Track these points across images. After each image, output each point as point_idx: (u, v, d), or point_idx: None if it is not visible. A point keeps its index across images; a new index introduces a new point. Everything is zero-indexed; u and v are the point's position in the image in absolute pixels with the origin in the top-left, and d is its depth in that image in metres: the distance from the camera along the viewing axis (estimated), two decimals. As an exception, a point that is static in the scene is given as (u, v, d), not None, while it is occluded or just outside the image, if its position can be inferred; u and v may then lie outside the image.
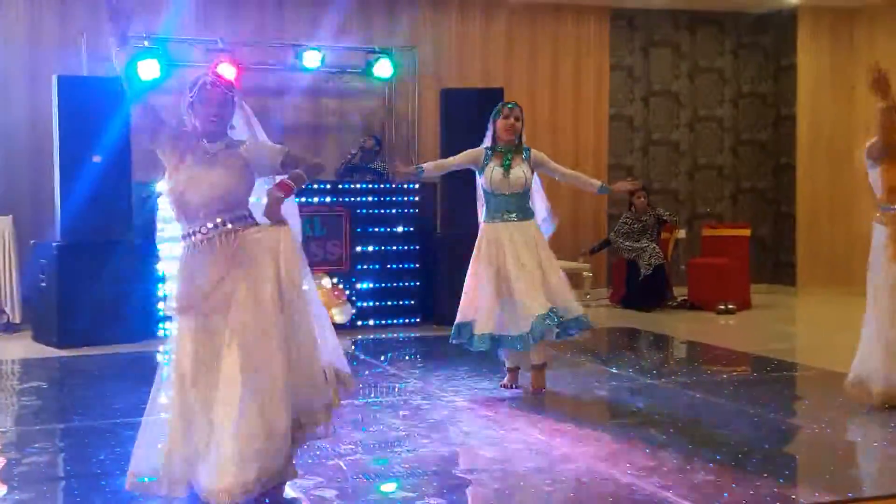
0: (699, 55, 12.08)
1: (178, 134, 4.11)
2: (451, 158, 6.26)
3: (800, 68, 11.90)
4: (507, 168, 6.01)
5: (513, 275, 5.91)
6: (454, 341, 6.11)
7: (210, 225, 3.93)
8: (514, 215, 6.05)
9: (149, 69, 8.90)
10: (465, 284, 6.10)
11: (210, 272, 3.90)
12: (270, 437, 3.81)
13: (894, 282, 5.47)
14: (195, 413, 3.88)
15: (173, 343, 4.03)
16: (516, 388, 6.20)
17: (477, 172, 6.14)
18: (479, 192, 6.19)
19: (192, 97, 4.08)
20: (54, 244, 8.09)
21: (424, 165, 6.26)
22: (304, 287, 4.06)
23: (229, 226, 3.95)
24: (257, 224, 4.04)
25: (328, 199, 8.97)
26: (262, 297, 3.87)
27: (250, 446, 3.76)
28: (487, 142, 6.15)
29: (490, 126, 6.15)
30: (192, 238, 3.97)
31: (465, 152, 6.17)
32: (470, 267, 6.10)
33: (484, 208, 6.16)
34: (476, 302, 6.01)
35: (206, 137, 4.07)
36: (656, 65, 11.91)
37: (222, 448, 3.77)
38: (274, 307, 3.87)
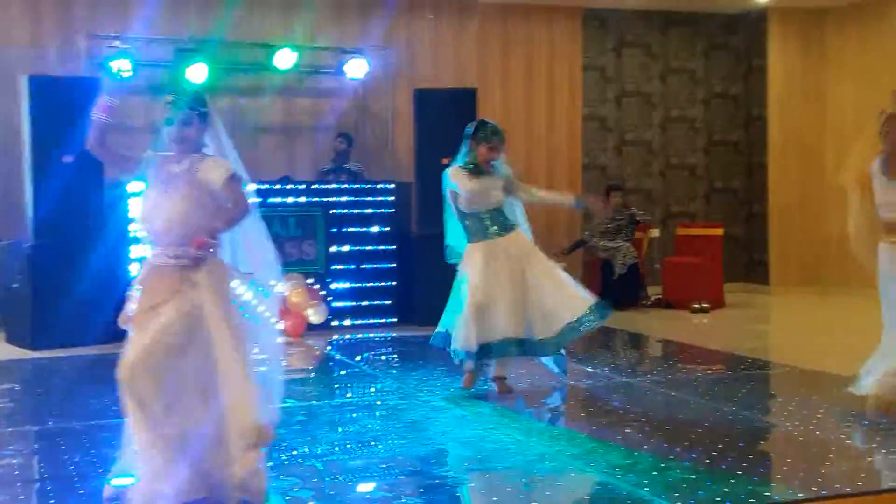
0: (671, 56, 12.15)
1: (140, 161, 4.13)
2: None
3: (770, 69, 11.99)
4: (482, 181, 5.93)
5: (530, 281, 5.88)
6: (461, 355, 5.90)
7: (170, 252, 3.95)
8: (498, 230, 5.95)
9: (120, 68, 8.82)
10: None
11: (151, 296, 3.93)
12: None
13: None
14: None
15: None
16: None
17: (452, 194, 6.00)
18: (458, 216, 6.02)
19: (164, 115, 4.08)
20: (26, 245, 8.02)
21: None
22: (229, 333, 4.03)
23: (184, 260, 3.93)
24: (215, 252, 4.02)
25: (303, 200, 8.94)
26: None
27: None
28: (460, 156, 5.99)
29: (470, 140, 5.98)
30: (153, 259, 4.01)
31: (455, 173, 5.93)
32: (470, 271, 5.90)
33: (464, 232, 6.03)
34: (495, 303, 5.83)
35: (174, 156, 4.07)
36: (629, 65, 11.97)
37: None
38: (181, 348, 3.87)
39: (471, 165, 5.94)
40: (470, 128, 6.02)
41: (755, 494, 4.17)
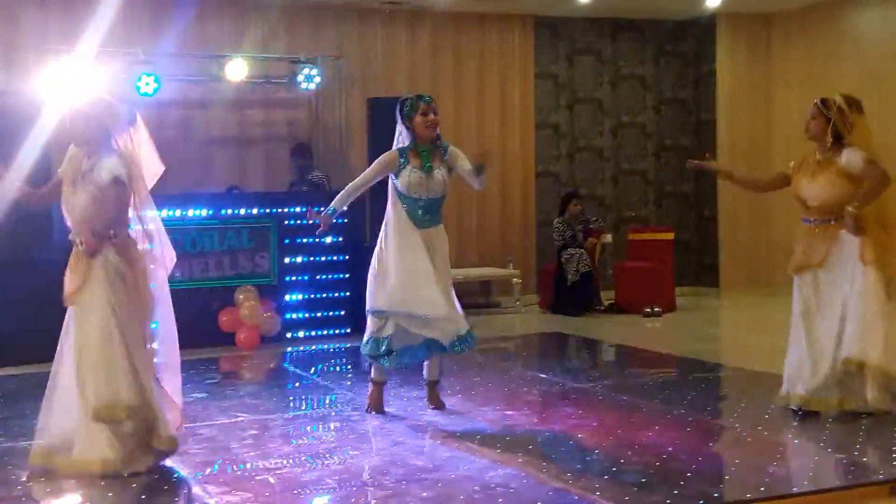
0: (621, 62, 12.27)
1: (63, 171, 4.79)
2: (359, 179, 5.79)
3: (719, 74, 12.16)
4: (427, 170, 5.62)
5: (435, 274, 5.62)
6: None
7: (78, 241, 4.68)
8: (429, 220, 5.69)
9: (73, 80, 8.72)
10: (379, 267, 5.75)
11: (73, 278, 4.70)
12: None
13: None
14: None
15: None
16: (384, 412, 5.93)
17: (392, 176, 5.71)
18: (392, 192, 5.76)
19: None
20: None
21: (334, 204, 5.78)
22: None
23: (80, 247, 4.66)
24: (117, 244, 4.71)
25: (255, 211, 8.89)
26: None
27: None
28: (404, 141, 5.70)
29: (404, 123, 5.69)
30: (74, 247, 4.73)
31: (375, 163, 5.73)
32: (388, 247, 5.70)
33: (394, 209, 5.72)
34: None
35: (84, 154, 4.74)
36: (580, 72, 12.06)
37: None
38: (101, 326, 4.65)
39: (413, 145, 5.64)
40: (396, 111, 5.73)
41: (705, 496, 4.23)
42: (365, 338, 5.77)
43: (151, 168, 4.88)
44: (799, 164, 5.82)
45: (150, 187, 4.84)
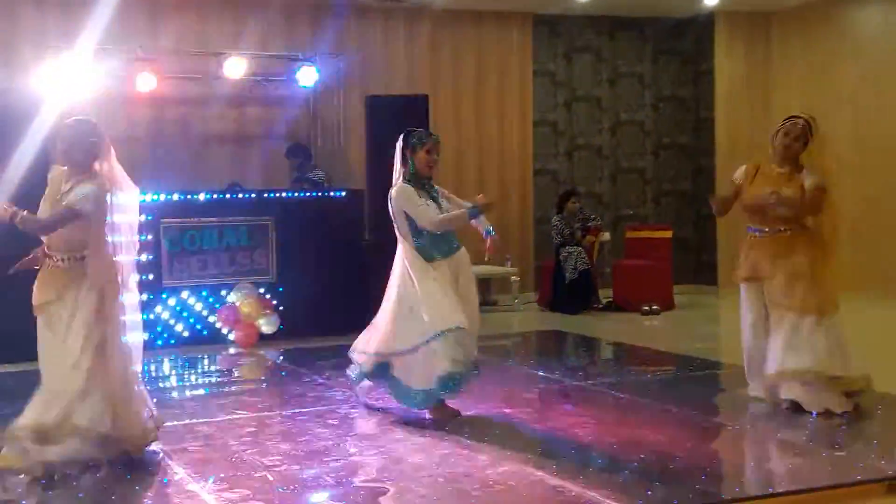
0: (620, 60, 12.27)
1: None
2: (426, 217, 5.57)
3: (717, 72, 12.16)
4: (437, 202, 5.64)
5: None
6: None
7: (57, 257, 4.79)
8: (454, 245, 5.71)
9: (71, 78, 8.72)
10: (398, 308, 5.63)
11: (44, 292, 4.82)
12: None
13: None
14: None
15: None
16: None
17: (406, 213, 5.61)
18: (407, 233, 5.63)
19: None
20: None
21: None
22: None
23: (60, 263, 4.78)
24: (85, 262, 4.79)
25: (254, 209, 8.88)
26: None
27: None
28: (401, 172, 5.66)
29: (404, 153, 5.66)
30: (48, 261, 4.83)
31: (407, 201, 5.56)
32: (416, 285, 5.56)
33: (416, 244, 5.62)
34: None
35: (67, 173, 4.86)
36: (578, 70, 12.07)
37: None
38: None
39: (411, 176, 5.62)
40: (400, 141, 5.71)
41: (702, 493, 4.24)
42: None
43: (128, 188, 5.00)
44: (753, 175, 5.91)
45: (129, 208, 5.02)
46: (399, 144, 5.71)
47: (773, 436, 5.30)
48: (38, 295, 4.83)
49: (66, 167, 4.86)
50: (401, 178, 5.68)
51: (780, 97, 12.10)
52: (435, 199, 5.67)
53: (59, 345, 4.74)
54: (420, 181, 5.66)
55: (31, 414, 4.73)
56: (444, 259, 5.65)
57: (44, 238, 4.85)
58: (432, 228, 5.58)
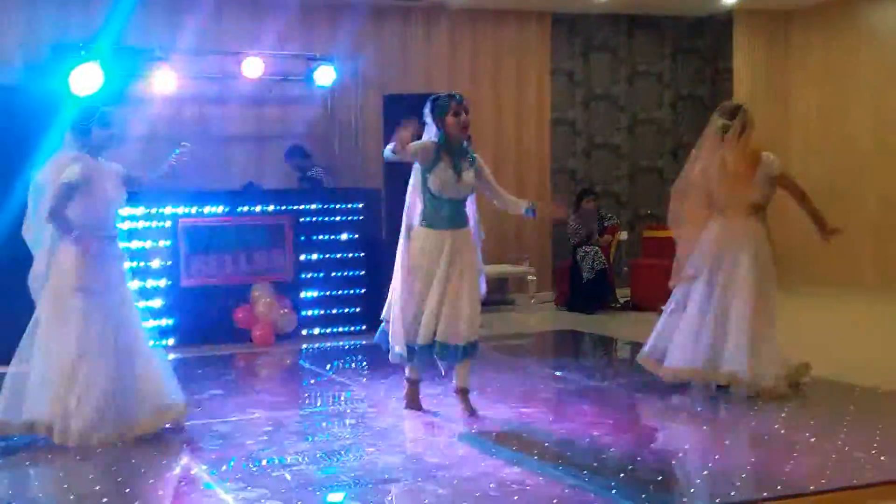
0: (638, 59, 12.23)
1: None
2: (409, 147, 5.41)
3: (736, 71, 12.10)
4: (458, 171, 5.49)
5: (455, 283, 5.50)
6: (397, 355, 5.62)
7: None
8: (457, 222, 5.56)
9: (89, 76, 8.74)
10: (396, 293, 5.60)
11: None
12: None
13: None
14: None
15: None
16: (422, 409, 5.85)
17: (422, 170, 5.53)
18: (416, 191, 5.58)
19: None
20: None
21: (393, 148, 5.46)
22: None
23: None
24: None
25: (271, 208, 8.90)
26: None
27: None
28: (433, 138, 5.51)
29: (434, 122, 5.51)
30: None
31: (415, 144, 5.43)
32: (402, 275, 5.57)
33: (421, 210, 5.59)
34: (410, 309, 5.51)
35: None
36: (596, 69, 12.03)
37: None
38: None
39: (442, 142, 5.48)
40: (426, 108, 5.57)
41: (721, 495, 4.21)
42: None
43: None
44: None
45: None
46: (426, 114, 5.56)
47: (791, 436, 5.26)
48: (83, 276, 5.28)
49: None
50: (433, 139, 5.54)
51: (798, 96, 12.03)
52: (457, 169, 5.47)
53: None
54: (452, 147, 5.51)
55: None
56: (447, 230, 5.52)
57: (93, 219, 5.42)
58: (387, 152, 5.47)
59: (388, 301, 5.68)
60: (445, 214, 5.54)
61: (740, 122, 6.24)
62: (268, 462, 4.84)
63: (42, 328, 5.25)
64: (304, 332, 8.86)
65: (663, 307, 10.21)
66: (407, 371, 5.87)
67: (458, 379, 5.72)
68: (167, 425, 5.40)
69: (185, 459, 4.94)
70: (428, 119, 5.57)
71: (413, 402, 5.86)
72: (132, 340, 5.37)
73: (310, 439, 5.31)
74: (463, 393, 5.73)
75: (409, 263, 5.57)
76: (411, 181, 5.66)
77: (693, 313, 6.23)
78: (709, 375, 6.17)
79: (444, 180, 5.46)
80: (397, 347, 5.55)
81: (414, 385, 5.88)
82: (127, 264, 5.58)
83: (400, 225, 5.72)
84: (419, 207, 5.61)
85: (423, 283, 5.51)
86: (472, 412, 5.68)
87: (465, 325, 5.50)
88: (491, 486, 4.39)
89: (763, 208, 6.26)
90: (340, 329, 9.00)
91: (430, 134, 5.55)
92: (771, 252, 6.23)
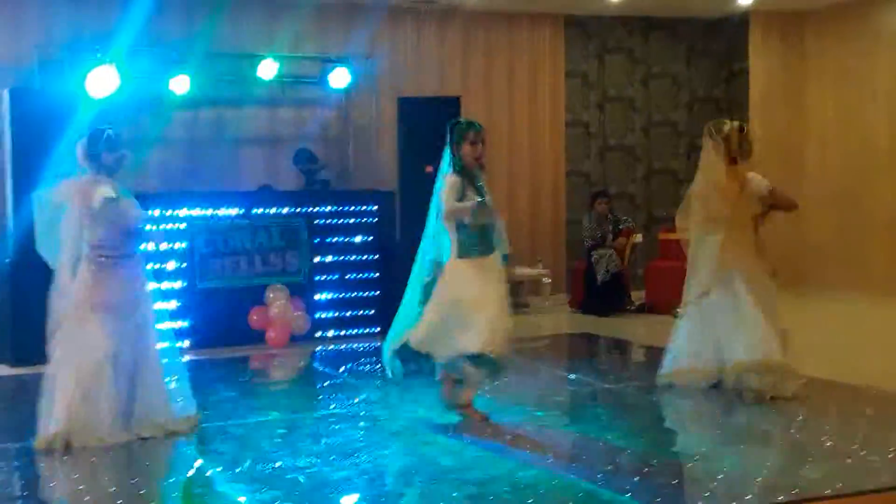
0: (653, 61, 12.20)
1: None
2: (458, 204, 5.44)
3: (751, 73, 12.05)
4: (483, 196, 5.49)
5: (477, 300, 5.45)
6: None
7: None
8: (487, 247, 5.52)
9: (105, 79, 8.78)
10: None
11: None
12: None
13: None
14: None
15: None
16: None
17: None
18: (446, 226, 5.52)
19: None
20: (7, 260, 7.97)
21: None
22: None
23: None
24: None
25: (286, 210, 8.92)
26: None
27: None
28: (451, 163, 5.53)
29: (450, 147, 5.54)
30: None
31: (449, 187, 5.46)
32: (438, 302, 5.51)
33: (457, 242, 5.49)
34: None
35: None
36: (611, 71, 12.01)
37: None
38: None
39: (458, 169, 5.50)
40: (447, 134, 5.61)
41: (737, 498, 4.19)
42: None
43: None
44: None
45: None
46: (447, 137, 5.59)
47: (809, 439, 5.23)
48: (101, 292, 5.39)
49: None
50: (451, 168, 5.56)
51: (814, 97, 11.97)
52: (481, 194, 5.50)
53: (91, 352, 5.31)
54: (467, 174, 5.53)
55: None
56: (486, 256, 5.51)
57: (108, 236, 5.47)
58: (446, 214, 5.45)
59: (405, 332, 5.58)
60: (480, 240, 5.51)
61: (726, 142, 6.23)
62: (282, 464, 4.85)
63: (59, 344, 5.29)
64: (318, 334, 8.86)
65: (678, 310, 10.26)
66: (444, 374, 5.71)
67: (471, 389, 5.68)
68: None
69: (199, 461, 4.95)
70: (448, 141, 5.58)
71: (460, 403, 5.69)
72: (141, 365, 5.36)
73: (324, 441, 5.32)
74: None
75: (451, 298, 5.46)
76: (431, 217, 5.59)
77: (699, 317, 6.32)
78: (716, 374, 6.22)
79: (476, 210, 5.45)
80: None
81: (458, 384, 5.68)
82: (152, 285, 5.56)
83: (413, 227, 5.70)
84: (451, 241, 5.52)
85: (470, 306, 5.41)
86: (484, 417, 5.66)
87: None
88: (505, 489, 4.38)
89: (760, 222, 6.34)
90: (354, 331, 9.01)
91: (445, 161, 5.57)
92: (767, 266, 6.30)
